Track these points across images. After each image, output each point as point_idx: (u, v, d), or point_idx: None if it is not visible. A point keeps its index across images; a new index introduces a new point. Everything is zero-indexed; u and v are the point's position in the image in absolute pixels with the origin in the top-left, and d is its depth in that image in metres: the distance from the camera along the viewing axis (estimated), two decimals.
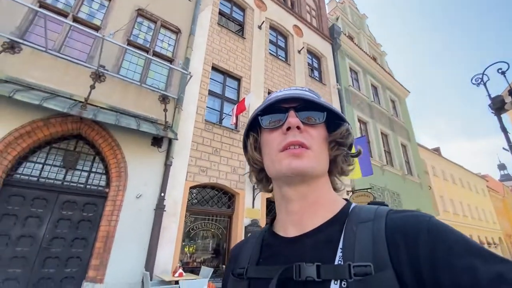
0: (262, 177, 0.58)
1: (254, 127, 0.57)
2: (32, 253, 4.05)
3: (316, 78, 10.50)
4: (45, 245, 4.20)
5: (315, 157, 0.48)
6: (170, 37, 6.72)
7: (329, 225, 0.46)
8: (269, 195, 5.57)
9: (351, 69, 12.36)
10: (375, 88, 13.69)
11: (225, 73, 7.50)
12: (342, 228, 0.44)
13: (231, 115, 6.27)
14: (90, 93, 4.58)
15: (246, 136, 0.58)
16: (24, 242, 4.06)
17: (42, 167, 4.55)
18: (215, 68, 7.23)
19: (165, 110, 5.43)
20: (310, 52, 10.81)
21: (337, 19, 14.15)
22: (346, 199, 0.54)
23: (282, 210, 0.53)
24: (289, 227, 0.50)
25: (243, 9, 9.04)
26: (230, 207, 6.35)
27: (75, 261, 4.36)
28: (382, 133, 12.17)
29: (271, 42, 9.39)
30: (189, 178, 5.65)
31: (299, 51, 9.95)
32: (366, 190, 8.18)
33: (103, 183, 5.01)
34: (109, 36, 5.29)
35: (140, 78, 5.76)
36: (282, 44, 9.95)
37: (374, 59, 14.83)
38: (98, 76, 5.00)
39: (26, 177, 4.35)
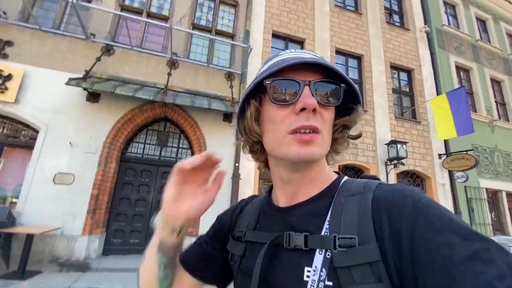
0: (256, 148, 0.55)
1: (255, 93, 0.50)
2: (146, 212, 5.25)
3: (396, 23, 8.86)
4: (154, 206, 5.35)
5: (323, 142, 0.45)
6: (229, 12, 6.80)
7: (318, 198, 0.47)
8: None
9: (445, 3, 9.82)
10: (482, 22, 10.58)
11: (287, 38, 7.18)
12: (331, 201, 0.45)
13: None
14: (168, 80, 5.24)
15: (246, 102, 0.51)
16: (140, 204, 5.28)
17: (144, 146, 5.64)
18: (275, 36, 7.01)
19: (231, 86, 5.73)
20: None
21: None
22: (337, 172, 0.53)
23: (278, 187, 0.53)
24: (283, 199, 0.52)
25: None
26: None
27: None
28: (493, 80, 9.58)
29: None
30: None
31: None
32: (465, 152, 6.86)
33: (189, 157, 5.84)
34: (177, 24, 5.77)
35: (207, 59, 6.16)
36: None
37: None
38: (172, 64, 5.62)
39: (134, 155, 5.51)
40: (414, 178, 7.36)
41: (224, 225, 0.62)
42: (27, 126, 4.81)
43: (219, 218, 0.63)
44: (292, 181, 0.49)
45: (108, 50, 5.30)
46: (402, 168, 6.86)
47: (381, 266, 0.35)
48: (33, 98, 4.70)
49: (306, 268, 0.40)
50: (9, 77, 4.57)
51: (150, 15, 6.03)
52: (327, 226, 0.42)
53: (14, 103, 4.58)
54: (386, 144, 6.84)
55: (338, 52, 7.58)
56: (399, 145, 6.53)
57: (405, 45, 8.42)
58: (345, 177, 0.51)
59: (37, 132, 4.73)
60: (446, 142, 7.49)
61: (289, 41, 7.23)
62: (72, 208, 4.52)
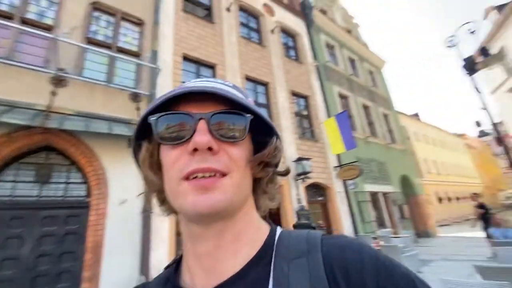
0: (164, 197, 0.42)
1: (147, 132, 0.39)
2: (20, 275, 3.88)
3: (293, 57, 10.32)
4: (32, 264, 4.03)
5: (232, 186, 0.36)
6: (133, 30, 6.31)
7: (252, 267, 0.36)
8: None
9: (327, 44, 12.19)
10: (352, 61, 13.63)
11: (198, 62, 7.20)
12: (270, 268, 0.35)
13: None
14: (52, 100, 4.27)
15: (137, 144, 0.42)
16: (8, 265, 3.87)
17: (14, 185, 4.28)
18: (187, 59, 6.92)
19: (138, 108, 5.18)
20: (284, 31, 10.52)
21: None
22: (269, 222, 0.44)
23: (190, 251, 0.39)
24: (198, 275, 0.37)
25: None
26: None
27: (66, 275, 4.23)
28: (363, 106, 12.29)
29: (242, 24, 9.04)
30: None
31: (272, 31, 9.66)
32: (352, 163, 8.33)
33: (82, 192, 4.79)
34: (65, 36, 4.89)
35: (106, 77, 5.42)
36: (255, 25, 9.61)
37: (348, 31, 14.70)
38: (58, 81, 4.63)
39: None
40: (319, 189, 8.37)
41: None
42: None
43: None
44: (207, 239, 0.37)
45: None
46: (308, 181, 7.70)
47: None
48: None
49: None
50: None
51: (25, 22, 4.90)
52: None
53: None
54: (293, 161, 7.57)
55: (248, 79, 8.12)
56: (304, 162, 7.33)
57: (301, 76, 9.85)
58: (278, 229, 0.42)
59: None
60: (338, 156, 8.94)
61: (200, 65, 7.26)
62: None
